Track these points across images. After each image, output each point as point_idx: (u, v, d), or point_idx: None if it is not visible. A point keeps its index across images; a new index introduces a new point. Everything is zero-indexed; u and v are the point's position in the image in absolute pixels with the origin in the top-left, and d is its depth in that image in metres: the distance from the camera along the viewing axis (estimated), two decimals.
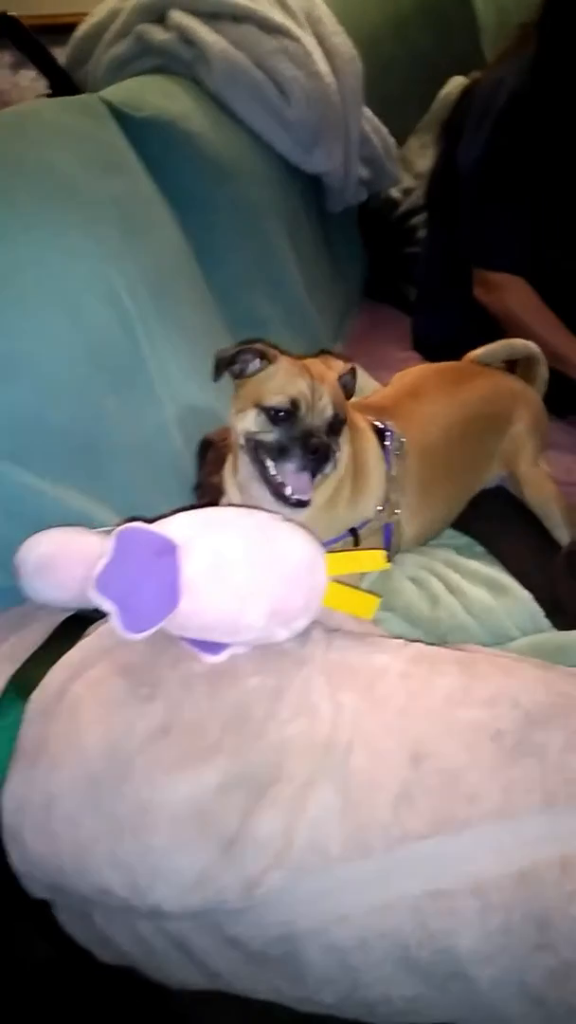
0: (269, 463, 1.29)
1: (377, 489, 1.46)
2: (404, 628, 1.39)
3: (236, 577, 1.02)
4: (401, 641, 1.21)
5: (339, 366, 1.40)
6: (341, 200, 2.54)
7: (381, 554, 1.18)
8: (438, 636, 1.37)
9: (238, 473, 1.39)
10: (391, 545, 1.50)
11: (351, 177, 2.45)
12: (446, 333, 2.32)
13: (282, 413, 1.27)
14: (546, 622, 1.38)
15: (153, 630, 0.99)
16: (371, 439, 1.47)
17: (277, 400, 1.27)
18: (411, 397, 1.59)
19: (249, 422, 1.31)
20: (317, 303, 2.36)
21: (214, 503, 1.54)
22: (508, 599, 1.39)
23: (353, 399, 2.05)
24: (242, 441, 1.33)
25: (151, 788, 0.98)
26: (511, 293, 2.10)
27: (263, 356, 1.34)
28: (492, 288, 2.13)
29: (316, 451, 1.25)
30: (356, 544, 1.42)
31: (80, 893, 1.01)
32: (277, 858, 0.92)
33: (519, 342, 1.78)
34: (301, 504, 1.28)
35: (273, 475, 1.29)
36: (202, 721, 1.03)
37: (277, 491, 1.29)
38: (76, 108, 1.73)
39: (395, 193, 2.79)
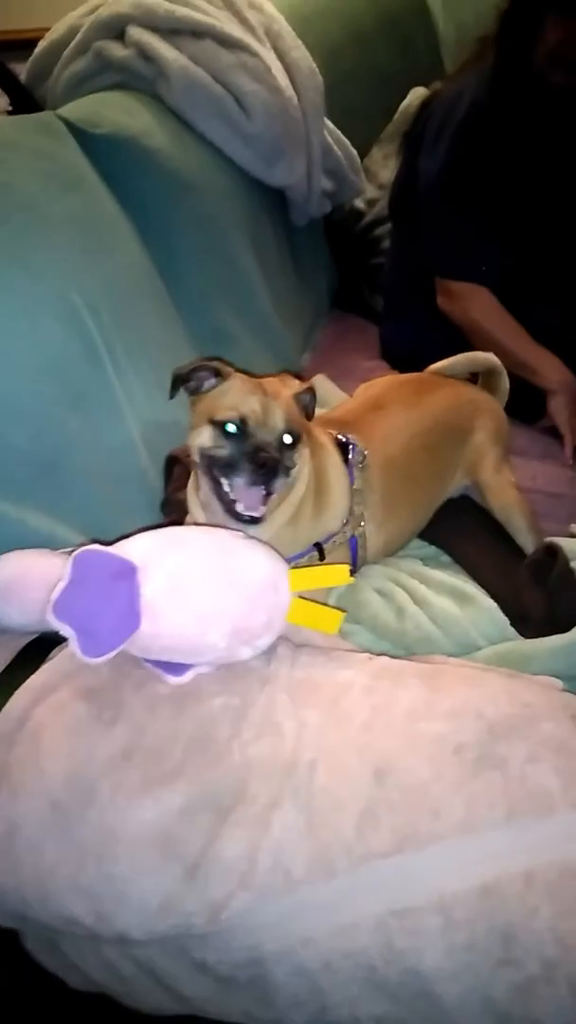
0: (222, 479, 1.29)
1: (341, 503, 1.46)
2: (371, 640, 1.40)
3: (197, 598, 1.01)
4: (366, 655, 1.21)
5: (295, 384, 1.40)
6: (305, 213, 2.55)
7: (345, 568, 1.18)
8: (405, 647, 1.38)
9: (200, 491, 1.39)
10: (357, 558, 1.50)
11: (314, 190, 2.47)
12: (412, 342, 2.34)
13: (233, 428, 1.27)
14: (512, 631, 1.39)
15: (113, 654, 0.98)
16: (333, 453, 1.48)
17: (228, 415, 1.27)
18: (373, 410, 1.59)
19: (203, 438, 1.31)
20: (284, 315, 2.37)
21: (180, 520, 1.54)
22: (473, 609, 1.39)
23: (318, 411, 2.08)
24: (197, 457, 1.33)
25: (114, 813, 0.97)
26: (473, 302, 2.12)
27: (218, 373, 1.34)
28: (455, 297, 2.15)
29: (264, 465, 1.24)
30: (321, 559, 1.42)
31: (44, 921, 1.00)
32: (242, 881, 0.92)
33: (480, 355, 1.79)
34: (253, 520, 1.27)
35: (226, 491, 1.29)
36: (165, 744, 1.02)
37: (229, 507, 1.29)
38: (33, 126, 1.73)
39: (359, 204, 2.81)
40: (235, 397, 1.30)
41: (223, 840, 0.94)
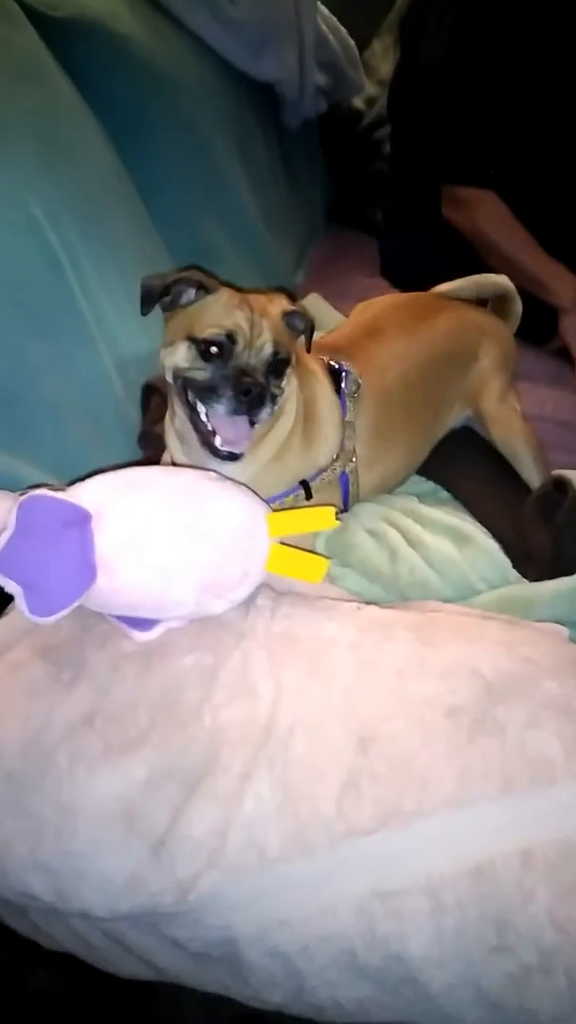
0: (200, 406, 1.15)
1: (331, 436, 1.34)
2: (362, 584, 1.29)
3: (158, 548, 0.90)
4: (354, 604, 1.11)
5: (286, 303, 1.25)
6: (298, 112, 2.33)
7: (330, 511, 1.06)
8: (398, 592, 1.27)
9: (175, 418, 1.25)
10: (348, 496, 1.39)
11: (307, 85, 2.24)
12: (414, 258, 2.16)
13: (215, 347, 1.13)
14: (514, 573, 1.28)
15: (65, 612, 0.88)
16: (324, 382, 1.34)
17: (211, 332, 1.13)
18: (368, 335, 1.44)
19: (179, 356, 1.16)
20: (274, 228, 2.19)
21: (158, 456, 1.41)
22: (472, 550, 1.28)
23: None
24: (170, 378, 1.19)
25: (73, 785, 0.89)
26: (482, 210, 1.93)
27: (200, 286, 1.19)
28: (461, 205, 1.96)
29: (248, 392, 1.10)
30: (308, 497, 1.30)
31: (3, 896, 0.93)
32: (211, 859, 0.84)
33: (491, 278, 1.62)
34: (233, 457, 1.14)
35: (203, 421, 1.15)
36: (129, 708, 0.93)
37: (206, 440, 1.16)
38: None
39: (358, 103, 2.58)
40: (219, 312, 1.15)
41: (191, 815, 0.85)
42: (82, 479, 1.05)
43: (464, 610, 1.19)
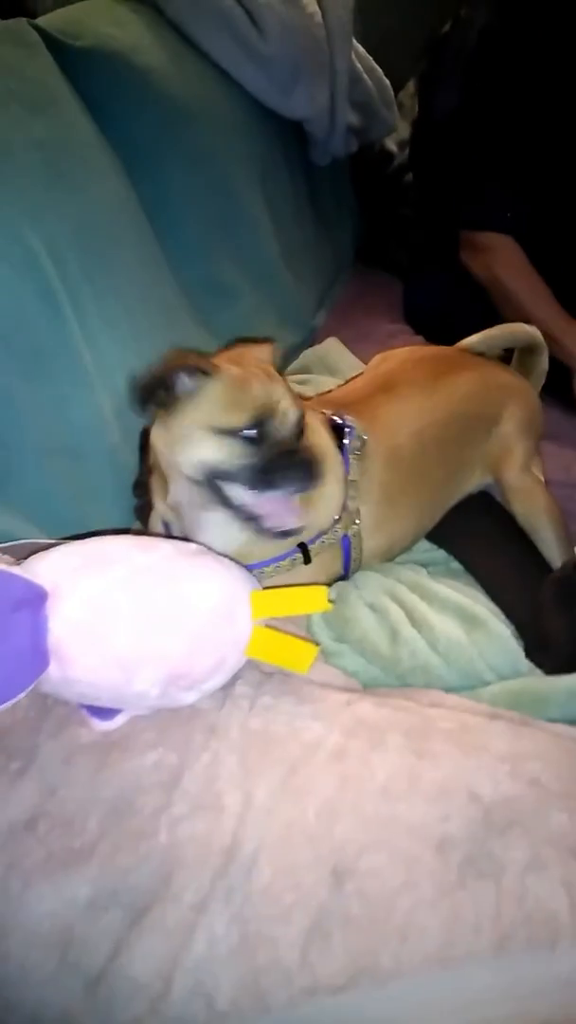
0: (238, 492, 1.06)
1: (333, 495, 1.23)
2: (359, 664, 1.18)
3: (120, 637, 0.80)
4: (344, 698, 0.99)
5: (264, 351, 1.18)
6: (327, 151, 2.26)
7: (322, 592, 0.96)
8: (397, 676, 1.16)
9: (170, 496, 1.16)
10: (350, 561, 1.28)
11: (338, 124, 2.17)
12: (438, 305, 2.08)
13: (253, 432, 1.04)
14: (527, 663, 1.16)
15: (9, 704, 0.78)
16: (324, 437, 1.24)
17: (245, 418, 1.04)
18: (381, 390, 1.35)
19: (207, 452, 1.05)
20: (295, 268, 2.11)
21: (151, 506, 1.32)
22: (482, 634, 1.17)
23: (321, 383, 1.83)
24: (196, 475, 1.08)
25: (6, 899, 0.78)
26: (497, 256, 1.87)
27: (199, 371, 1.06)
28: (479, 250, 1.90)
29: (306, 467, 1.04)
30: (307, 561, 1.20)
31: None
32: (153, 1005, 0.72)
33: (519, 328, 1.52)
34: (288, 534, 1.07)
35: (241, 505, 1.06)
36: (79, 812, 0.82)
37: (256, 525, 1.07)
38: (1, 36, 1.47)
39: (390, 144, 2.50)
40: (236, 394, 1.06)
41: (134, 949, 0.74)
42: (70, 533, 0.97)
43: (468, 705, 1.07)
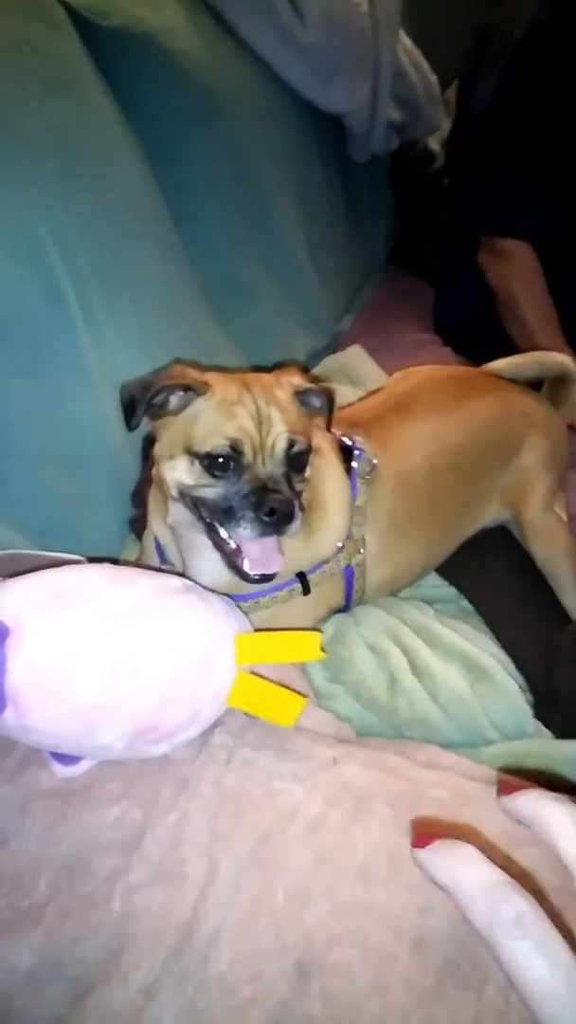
0: (217, 525, 1.00)
1: (337, 522, 1.16)
2: (353, 709, 1.10)
3: (82, 686, 0.73)
4: (331, 755, 0.91)
5: (296, 379, 1.07)
6: (366, 147, 2.17)
7: (315, 638, 0.88)
8: (394, 726, 1.08)
9: (169, 516, 1.09)
10: (352, 592, 1.20)
11: (379, 120, 2.08)
12: (466, 316, 2.00)
13: (222, 460, 0.97)
14: (533, 723, 1.08)
15: None
16: (331, 459, 1.17)
17: (212, 445, 0.97)
18: (396, 410, 1.26)
19: (181, 472, 1.01)
20: (323, 269, 2.02)
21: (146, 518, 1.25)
22: (488, 688, 1.09)
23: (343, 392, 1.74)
24: (175, 495, 1.04)
25: None
26: (515, 267, 1.82)
27: (188, 388, 1.01)
28: (498, 256, 1.85)
29: (273, 512, 0.95)
30: (305, 592, 1.12)
31: None
32: None
33: (549, 356, 1.44)
34: (265, 579, 0.99)
35: (225, 540, 1.00)
36: (30, 869, 0.76)
37: (233, 562, 1.00)
38: (25, 10, 1.39)
39: (433, 144, 2.40)
40: (215, 417, 0.99)
41: None
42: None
43: (467, 766, 0.99)
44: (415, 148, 2.40)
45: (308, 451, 1.03)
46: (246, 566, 0.98)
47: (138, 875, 0.74)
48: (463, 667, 1.11)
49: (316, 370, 1.92)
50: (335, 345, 2.06)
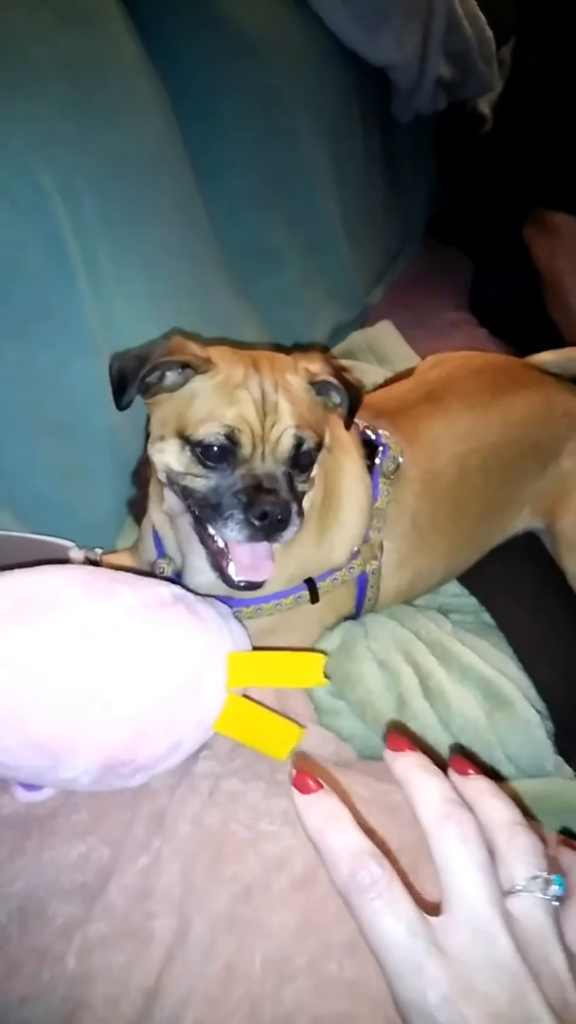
0: (206, 521, 0.89)
1: (354, 525, 1.05)
2: (357, 727, 1.00)
3: (43, 716, 0.63)
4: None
5: (316, 365, 0.93)
6: (411, 105, 2.01)
7: (319, 662, 0.78)
8: None
9: (164, 502, 0.99)
10: (364, 600, 1.10)
11: (427, 75, 1.92)
12: (508, 294, 1.86)
13: (215, 450, 0.85)
14: (553, 759, 0.98)
15: None
16: (353, 454, 1.05)
17: (206, 432, 0.85)
18: (427, 400, 1.14)
19: (170, 456, 0.89)
20: (355, 236, 1.88)
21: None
22: (505, 717, 0.98)
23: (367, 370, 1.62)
24: (164, 480, 0.93)
25: None
26: (564, 241, 1.69)
27: (187, 365, 0.89)
28: (545, 231, 1.72)
29: (267, 516, 0.83)
30: (314, 600, 1.02)
31: None
32: None
33: None
34: (252, 586, 0.88)
35: (211, 537, 0.89)
36: None
37: (217, 563, 0.90)
38: None
39: (483, 107, 2.23)
40: (215, 400, 0.87)
41: None
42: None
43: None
44: (464, 110, 2.23)
45: (318, 449, 0.91)
46: (231, 570, 0.87)
47: (99, 928, 0.65)
48: (480, 692, 1.00)
49: (341, 345, 1.80)
50: (363, 319, 1.93)
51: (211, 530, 0.88)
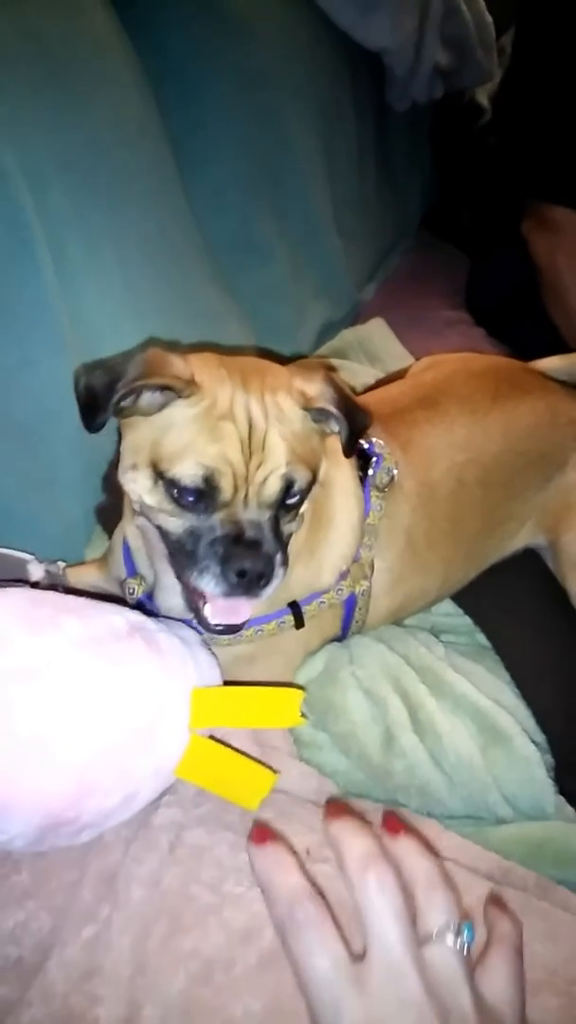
0: (183, 562, 0.80)
1: (345, 544, 0.96)
2: (340, 763, 0.92)
3: None
4: (303, 845, 0.73)
5: (314, 387, 0.81)
6: (407, 93, 1.93)
7: (296, 699, 0.70)
8: (386, 791, 0.90)
9: (137, 518, 0.89)
10: (351, 622, 1.01)
11: (424, 61, 1.84)
12: (506, 293, 1.78)
13: (192, 491, 0.76)
14: (553, 800, 0.89)
15: None
16: (344, 466, 0.96)
17: (181, 473, 0.75)
18: (423, 406, 1.06)
19: (142, 488, 0.80)
20: (347, 230, 1.80)
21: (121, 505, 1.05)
22: (502, 754, 0.90)
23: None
24: (136, 508, 0.84)
25: None
26: (564, 237, 1.62)
27: (167, 388, 0.77)
28: (546, 227, 1.64)
29: (245, 574, 0.75)
30: (299, 625, 0.93)
31: None
32: None
33: None
34: (230, 630, 0.80)
35: (188, 577, 0.79)
36: None
37: (192, 603, 0.81)
38: None
39: (481, 97, 2.15)
40: (194, 434, 0.76)
41: None
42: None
43: (471, 855, 0.81)
44: (462, 100, 2.14)
45: (311, 487, 0.82)
46: (207, 611, 0.79)
47: (34, 1014, 0.57)
48: (474, 725, 0.92)
49: (331, 343, 1.71)
50: (354, 316, 1.84)
51: (187, 570, 0.79)
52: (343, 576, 0.96)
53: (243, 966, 0.60)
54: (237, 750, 0.70)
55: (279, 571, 0.77)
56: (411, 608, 1.07)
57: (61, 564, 1.03)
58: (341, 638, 1.03)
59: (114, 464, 1.16)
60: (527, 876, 0.82)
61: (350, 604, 0.99)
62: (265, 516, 0.77)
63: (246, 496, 0.76)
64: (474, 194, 2.04)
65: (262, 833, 0.60)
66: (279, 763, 0.87)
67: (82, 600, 0.67)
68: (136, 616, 0.69)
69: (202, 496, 0.75)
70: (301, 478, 0.78)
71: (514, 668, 1.02)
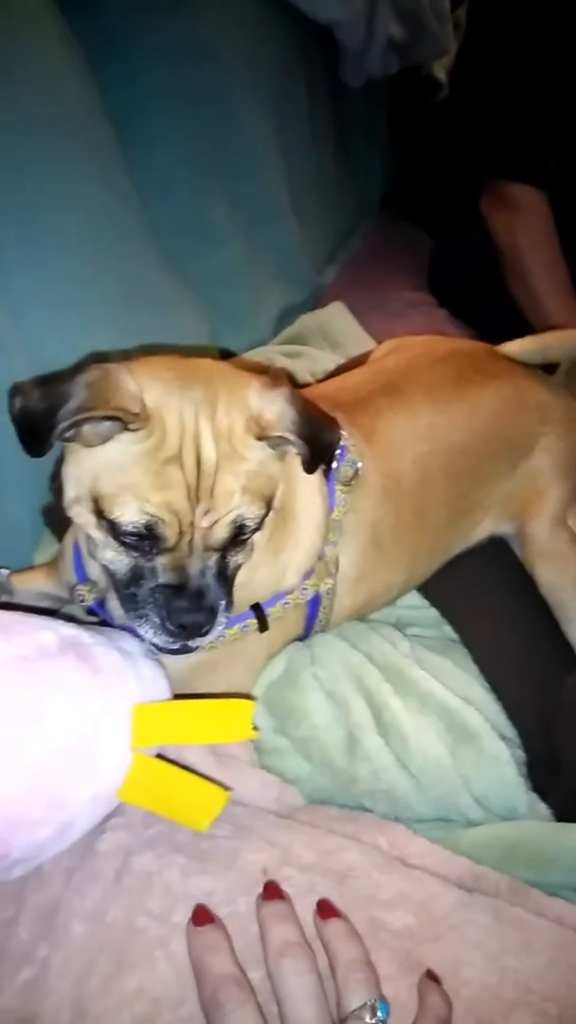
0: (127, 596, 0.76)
1: (310, 542, 0.91)
2: (303, 768, 0.88)
3: None
4: (260, 863, 0.69)
5: (274, 407, 0.75)
6: (361, 68, 1.87)
7: (247, 709, 0.66)
8: (352, 797, 0.86)
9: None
10: (315, 622, 0.97)
11: (377, 35, 1.78)
12: (465, 272, 1.74)
13: (133, 534, 0.71)
14: (525, 799, 0.86)
15: None
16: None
17: (122, 515, 0.70)
18: (386, 393, 1.01)
19: (84, 520, 0.75)
20: (304, 212, 1.74)
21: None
22: (471, 753, 0.86)
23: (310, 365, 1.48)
24: (83, 541, 0.82)
25: None
26: (524, 218, 1.59)
27: (113, 419, 0.70)
28: (504, 205, 1.61)
29: (185, 627, 0.72)
30: (262, 628, 0.88)
31: None
32: None
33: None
34: (184, 650, 0.76)
35: (129, 617, 0.75)
36: None
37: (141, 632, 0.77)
38: None
39: (439, 71, 2.10)
40: (139, 474, 0.70)
41: None
42: None
43: (440, 859, 0.78)
44: (418, 75, 2.09)
45: (263, 520, 0.77)
46: (155, 639, 0.74)
47: None
48: (442, 725, 0.88)
49: (290, 329, 1.66)
50: (314, 300, 1.79)
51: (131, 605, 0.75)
52: (307, 575, 0.92)
53: (192, 1004, 0.56)
54: (186, 768, 0.65)
55: (221, 619, 0.74)
56: (376, 604, 1.03)
57: (4, 571, 0.98)
58: (303, 637, 0.99)
59: (61, 460, 1.12)
60: (499, 881, 0.79)
61: (314, 603, 0.95)
62: (211, 559, 0.73)
63: (191, 541, 0.71)
64: (433, 172, 1.99)
65: (202, 915, 0.61)
66: (238, 772, 0.83)
67: (10, 615, 0.62)
68: (70, 630, 0.64)
69: (144, 539, 0.71)
70: (253, 517, 0.73)
71: (483, 660, 0.98)
